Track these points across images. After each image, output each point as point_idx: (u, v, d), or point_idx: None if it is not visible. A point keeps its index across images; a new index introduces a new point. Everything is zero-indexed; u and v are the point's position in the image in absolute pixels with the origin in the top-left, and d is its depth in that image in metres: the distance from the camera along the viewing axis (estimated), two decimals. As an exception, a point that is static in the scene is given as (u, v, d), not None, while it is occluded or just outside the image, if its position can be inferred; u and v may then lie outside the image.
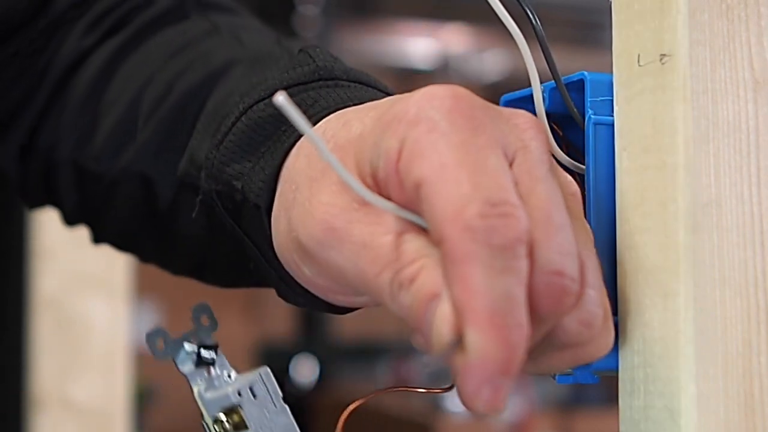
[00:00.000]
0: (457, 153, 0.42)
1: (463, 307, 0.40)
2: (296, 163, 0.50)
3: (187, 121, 0.61)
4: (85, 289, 1.55)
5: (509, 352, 0.40)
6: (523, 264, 0.41)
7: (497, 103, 0.53)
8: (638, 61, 0.47)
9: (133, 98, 0.65)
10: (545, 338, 0.44)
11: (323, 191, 0.46)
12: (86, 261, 1.54)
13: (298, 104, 0.51)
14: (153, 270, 0.75)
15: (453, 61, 4.61)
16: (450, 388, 0.51)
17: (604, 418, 3.25)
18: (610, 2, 0.49)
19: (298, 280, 0.51)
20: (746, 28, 0.47)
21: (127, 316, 1.59)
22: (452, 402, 3.48)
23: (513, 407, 3.48)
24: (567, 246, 0.42)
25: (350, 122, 0.48)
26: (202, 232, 0.62)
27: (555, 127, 0.52)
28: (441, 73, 4.56)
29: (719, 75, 0.46)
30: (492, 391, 0.41)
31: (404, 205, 0.43)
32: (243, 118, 0.53)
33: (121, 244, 0.73)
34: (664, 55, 0.46)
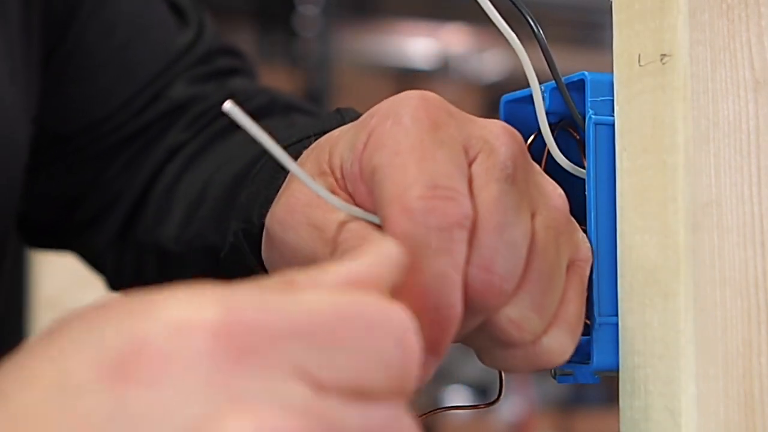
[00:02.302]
0: (412, 143, 0.44)
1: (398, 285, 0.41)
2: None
3: (241, 189, 0.63)
4: (85, 289, 1.55)
5: (438, 331, 0.42)
6: (460, 248, 0.42)
7: (497, 103, 0.53)
8: (638, 61, 0.47)
9: (206, 182, 0.69)
10: (486, 333, 0.45)
11: (295, 184, 0.49)
12: (86, 261, 1.53)
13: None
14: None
15: (453, 61, 4.61)
16: (494, 403, 0.51)
17: (604, 418, 3.25)
18: (610, 2, 0.49)
19: None
20: (746, 28, 0.46)
21: (127, 316, 1.58)
22: (452, 402, 3.48)
23: (513, 407, 3.48)
24: (501, 245, 0.44)
25: (335, 131, 0.50)
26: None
27: (572, 131, 0.52)
28: (441, 73, 4.56)
29: (719, 75, 0.46)
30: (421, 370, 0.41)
31: (367, 197, 0.45)
32: (269, 160, 0.57)
33: None
34: (664, 55, 0.46)
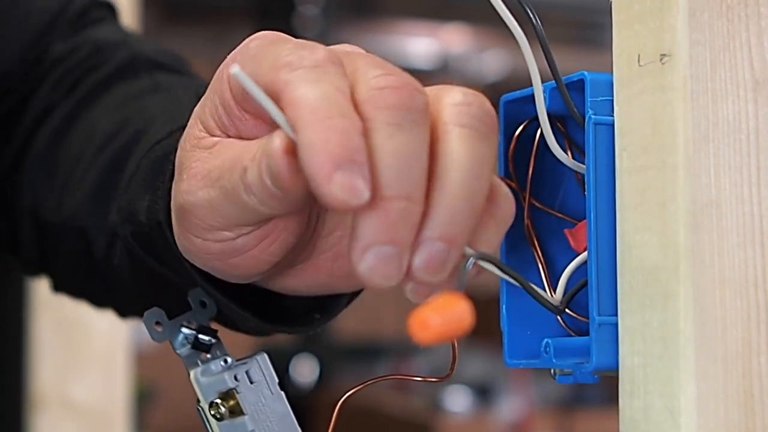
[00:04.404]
0: (270, 43, 0.48)
1: (293, 120, 0.44)
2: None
3: (118, 178, 0.64)
4: (85, 289, 1.55)
5: (339, 134, 0.43)
6: (337, 77, 0.45)
7: (498, 103, 0.53)
8: (638, 61, 0.47)
9: (78, 154, 0.69)
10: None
11: (185, 164, 0.50)
12: (86, 261, 1.53)
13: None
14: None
15: (453, 61, 4.62)
16: (446, 378, 0.51)
17: (604, 418, 3.25)
18: (610, 2, 0.49)
19: (205, 266, 0.52)
20: (746, 28, 0.47)
21: (127, 316, 1.59)
22: (452, 402, 3.48)
23: (513, 407, 3.48)
24: (393, 68, 0.45)
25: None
26: (131, 279, 0.65)
27: (559, 125, 0.52)
28: (441, 73, 4.56)
29: (719, 75, 0.46)
30: (345, 175, 0.43)
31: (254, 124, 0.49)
32: (144, 159, 0.58)
33: (73, 294, 0.77)
34: (664, 55, 0.46)
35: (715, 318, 0.45)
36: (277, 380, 0.52)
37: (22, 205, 0.73)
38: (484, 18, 4.09)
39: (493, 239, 0.46)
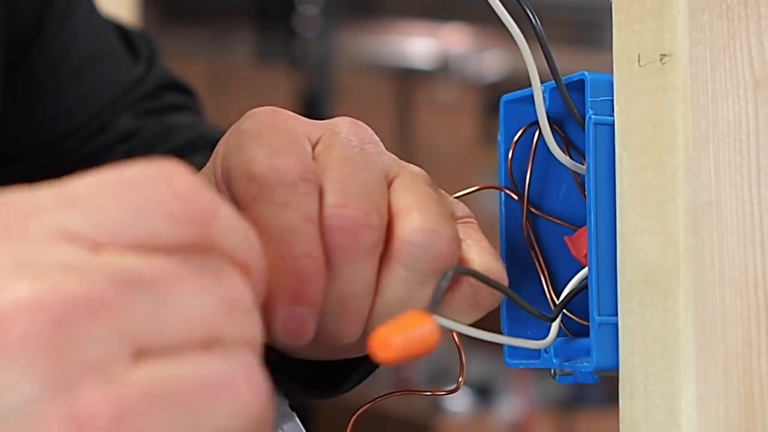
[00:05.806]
0: (252, 135, 0.46)
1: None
2: None
3: None
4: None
5: (299, 281, 0.43)
6: (306, 200, 0.43)
7: (497, 103, 0.53)
8: (638, 61, 0.47)
9: None
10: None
11: None
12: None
13: None
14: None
15: (453, 61, 4.62)
16: (455, 390, 0.51)
17: (604, 418, 3.25)
18: (610, 2, 0.49)
19: None
20: (746, 28, 0.46)
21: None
22: (452, 402, 3.48)
23: (513, 407, 3.48)
24: (354, 187, 0.44)
25: None
26: None
27: (556, 128, 0.52)
28: (441, 73, 4.56)
29: (719, 75, 0.46)
30: (295, 322, 0.43)
31: None
32: None
33: None
34: (664, 55, 0.46)
35: (715, 318, 0.45)
36: (287, 401, 0.52)
37: None
38: (484, 18, 4.09)
39: None
